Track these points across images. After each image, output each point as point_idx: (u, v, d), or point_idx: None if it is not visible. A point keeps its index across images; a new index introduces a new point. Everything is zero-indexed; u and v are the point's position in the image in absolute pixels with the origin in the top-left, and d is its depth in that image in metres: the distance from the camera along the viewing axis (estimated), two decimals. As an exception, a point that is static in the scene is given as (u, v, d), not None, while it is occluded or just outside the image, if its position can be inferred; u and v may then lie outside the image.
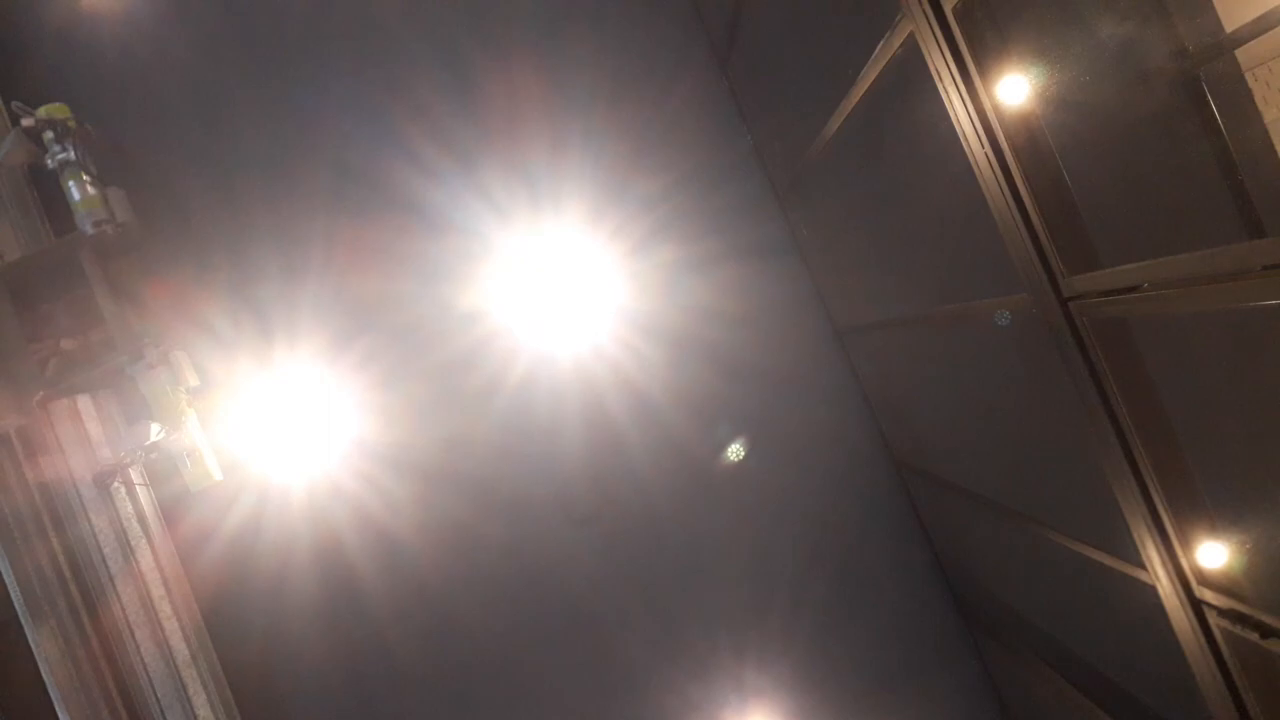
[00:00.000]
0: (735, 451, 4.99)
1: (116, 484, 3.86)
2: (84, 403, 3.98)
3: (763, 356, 5.00)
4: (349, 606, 4.71)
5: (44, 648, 3.36)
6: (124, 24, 4.73)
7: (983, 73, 2.34)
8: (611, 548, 4.91)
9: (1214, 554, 2.25)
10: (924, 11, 2.46)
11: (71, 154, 3.52)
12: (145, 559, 3.98)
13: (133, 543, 3.94)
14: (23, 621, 3.36)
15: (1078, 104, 2.24)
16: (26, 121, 3.48)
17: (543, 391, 4.87)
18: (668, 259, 4.92)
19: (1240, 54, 2.10)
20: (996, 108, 2.33)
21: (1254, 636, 2.11)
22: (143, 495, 4.15)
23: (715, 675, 4.90)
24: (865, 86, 3.21)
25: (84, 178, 3.55)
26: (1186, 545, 2.31)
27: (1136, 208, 2.27)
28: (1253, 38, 1.94)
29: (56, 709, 3.36)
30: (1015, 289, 2.65)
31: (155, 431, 3.53)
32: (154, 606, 3.93)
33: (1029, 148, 2.32)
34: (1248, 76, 2.17)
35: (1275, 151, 2.12)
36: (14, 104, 3.52)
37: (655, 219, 4.91)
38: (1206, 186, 2.12)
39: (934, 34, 2.46)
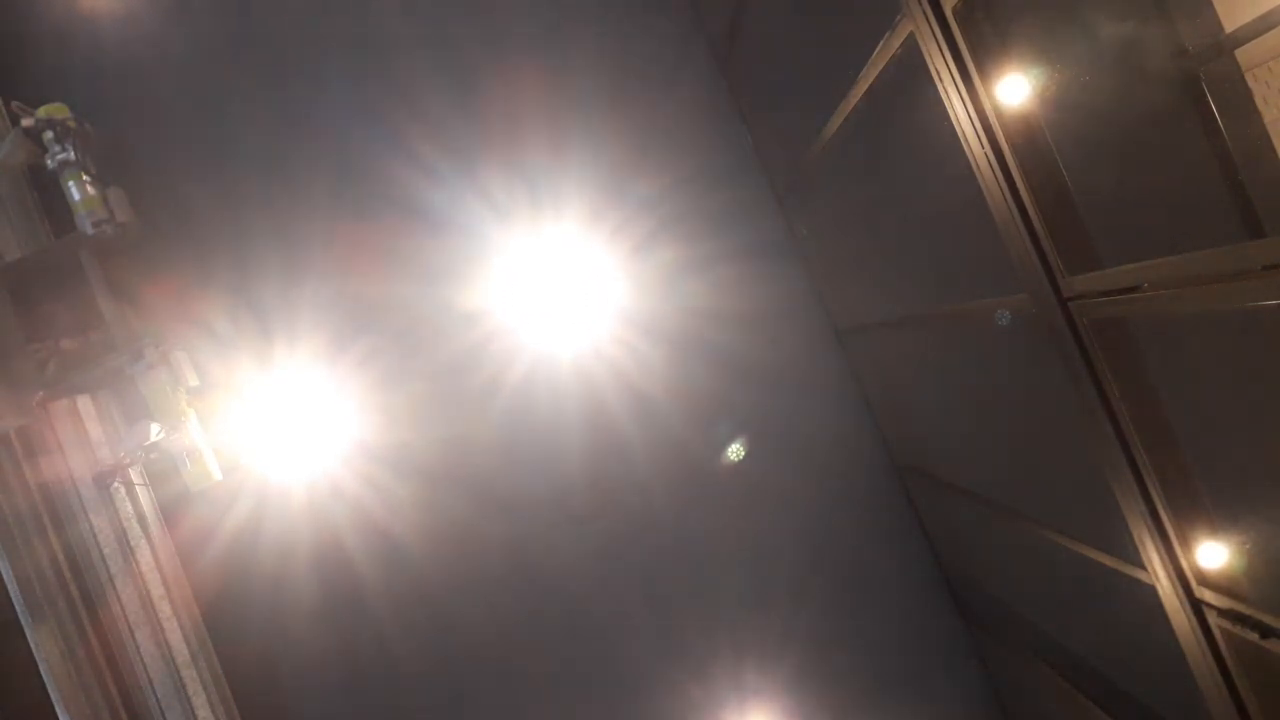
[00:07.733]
0: (735, 452, 4.99)
1: (116, 484, 3.86)
2: (84, 403, 3.98)
3: (762, 357, 4.99)
4: (349, 606, 4.70)
5: (44, 648, 3.36)
6: (124, 24, 4.72)
7: (983, 73, 2.34)
8: (611, 547, 4.91)
9: (1214, 554, 2.25)
10: (924, 11, 2.46)
11: (71, 154, 3.52)
12: (145, 559, 3.98)
13: (133, 543, 3.94)
14: (23, 621, 3.36)
15: (1078, 104, 2.24)
16: (26, 121, 3.48)
17: (543, 392, 4.87)
18: (667, 259, 4.92)
19: (1240, 54, 2.10)
20: (996, 108, 2.33)
21: (1254, 636, 2.11)
22: (143, 495, 4.15)
23: (715, 675, 4.90)
24: (865, 87, 3.21)
25: (84, 178, 3.56)
26: (1186, 545, 2.31)
27: (1136, 208, 2.27)
28: (1253, 38, 1.94)
29: (56, 709, 3.36)
30: (1015, 289, 2.65)
31: (155, 431, 3.52)
32: (154, 606, 3.93)
33: (1029, 148, 2.32)
34: (1248, 76, 2.17)
35: (1275, 151, 2.12)
36: (14, 104, 3.52)
37: (655, 219, 4.91)
38: (1206, 186, 2.11)
39: (934, 34, 2.46)
